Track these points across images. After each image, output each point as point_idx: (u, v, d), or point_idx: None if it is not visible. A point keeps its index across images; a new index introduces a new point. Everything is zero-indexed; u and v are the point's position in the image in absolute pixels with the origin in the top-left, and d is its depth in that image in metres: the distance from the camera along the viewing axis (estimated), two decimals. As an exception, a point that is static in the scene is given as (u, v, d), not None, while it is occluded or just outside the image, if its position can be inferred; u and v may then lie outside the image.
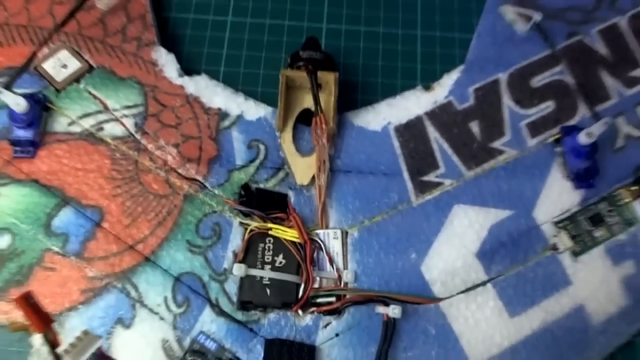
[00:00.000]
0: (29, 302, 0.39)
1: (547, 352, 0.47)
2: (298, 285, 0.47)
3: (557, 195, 0.50)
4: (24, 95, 0.48)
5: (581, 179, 0.50)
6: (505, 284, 0.48)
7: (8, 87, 0.49)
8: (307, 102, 0.51)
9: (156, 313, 0.46)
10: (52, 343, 0.39)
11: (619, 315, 0.49)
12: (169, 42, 0.55)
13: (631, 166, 0.52)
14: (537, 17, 0.53)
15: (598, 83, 0.54)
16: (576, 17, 0.55)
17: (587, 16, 0.56)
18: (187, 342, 0.45)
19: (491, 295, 0.48)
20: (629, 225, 0.51)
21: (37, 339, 0.46)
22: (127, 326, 0.45)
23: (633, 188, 0.51)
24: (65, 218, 0.48)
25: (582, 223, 0.50)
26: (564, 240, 0.49)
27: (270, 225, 0.48)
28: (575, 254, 0.49)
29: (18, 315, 0.46)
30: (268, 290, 0.46)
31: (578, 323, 0.48)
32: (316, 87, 0.50)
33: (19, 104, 0.47)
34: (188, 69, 0.54)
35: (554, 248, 0.49)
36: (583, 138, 0.48)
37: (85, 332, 0.38)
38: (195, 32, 0.57)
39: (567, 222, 0.50)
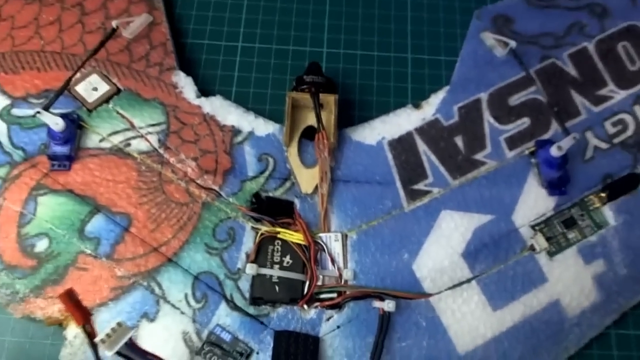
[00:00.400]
0: (71, 298, 0.44)
1: (527, 342, 0.52)
2: (303, 283, 0.52)
3: (534, 202, 0.56)
4: (61, 115, 0.53)
5: (554, 186, 0.56)
6: (488, 280, 0.53)
7: (46, 108, 0.53)
8: (311, 120, 0.57)
9: (177, 308, 0.51)
10: (90, 334, 0.43)
11: (592, 309, 0.54)
12: (187, 65, 0.61)
13: (600, 175, 0.57)
14: (512, 44, 0.59)
15: (569, 101, 0.60)
16: (549, 42, 0.62)
17: (559, 41, 0.62)
18: (204, 334, 0.51)
19: (476, 291, 0.53)
20: (598, 228, 0.56)
21: (70, 332, 0.51)
22: (152, 320, 0.51)
23: (602, 194, 0.56)
24: (97, 224, 0.53)
25: (556, 226, 0.55)
26: (540, 242, 0.54)
27: (278, 229, 0.53)
28: (551, 253, 0.55)
29: (54, 311, 0.51)
30: (277, 287, 0.51)
31: (554, 316, 0.53)
32: (318, 107, 0.55)
33: (57, 124, 0.53)
34: (204, 90, 0.60)
35: (532, 248, 0.54)
36: (554, 151, 0.54)
37: (119, 324, 0.43)
38: (210, 56, 0.63)
39: (542, 225, 0.55)
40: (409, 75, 0.64)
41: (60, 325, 0.51)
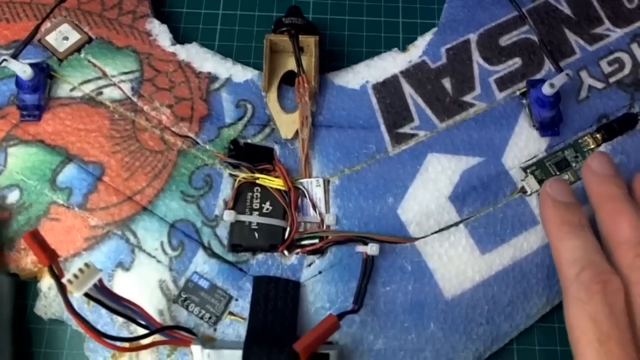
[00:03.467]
0: (35, 238, 0.42)
1: (517, 285, 0.50)
2: (284, 229, 0.50)
3: (525, 143, 0.54)
4: (30, 64, 0.52)
5: (546, 127, 0.54)
6: (477, 224, 0.51)
7: (15, 57, 0.52)
8: (291, 64, 0.55)
9: (153, 257, 0.49)
10: (57, 275, 0.42)
11: (586, 252, 0.51)
12: (166, 19, 0.60)
13: (594, 115, 0.55)
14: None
15: (562, 40, 0.57)
16: (542, -21, 0.58)
17: (553, -22, 0.58)
18: (182, 282, 0.49)
19: (463, 235, 0.51)
20: (593, 170, 0.53)
21: (44, 284, 0.49)
22: (127, 269, 0.49)
23: (597, 135, 0.54)
24: (69, 173, 0.52)
25: (549, 168, 0.53)
26: (531, 184, 0.52)
27: (257, 175, 0.51)
28: (543, 196, 0.52)
29: (27, 262, 0.50)
30: (256, 234, 0.50)
31: (546, 259, 0.51)
32: (298, 50, 0.53)
33: (25, 71, 0.51)
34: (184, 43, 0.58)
35: (522, 191, 0.52)
36: (546, 88, 0.52)
37: (87, 264, 0.41)
38: (190, 10, 0.61)
39: (534, 168, 0.53)
40: (400, 24, 0.62)
41: (35, 278, 0.50)
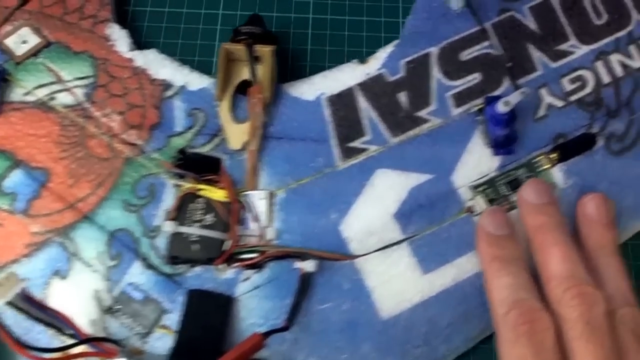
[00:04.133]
0: None
1: (458, 307, 0.49)
2: (223, 242, 0.50)
3: (477, 161, 0.52)
4: (-17, 67, 0.52)
5: (500, 145, 0.52)
6: (421, 242, 0.50)
7: None
8: (246, 74, 0.55)
9: (90, 265, 0.49)
10: None
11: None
12: (129, 17, 0.60)
13: (551, 134, 0.54)
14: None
15: (525, 56, 0.56)
16: (508, -6, 0.57)
17: (520, -8, 0.57)
18: (116, 292, 0.49)
19: (406, 253, 0.50)
20: (548, 191, 0.52)
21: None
22: (63, 277, 0.49)
23: (552, 155, 0.53)
24: (15, 179, 0.52)
25: (500, 187, 0.52)
26: (479, 203, 0.51)
27: (201, 186, 0.51)
28: (492, 216, 0.51)
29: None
30: (195, 246, 0.49)
31: (490, 282, 0.50)
32: (252, 59, 0.53)
33: (-24, 75, 0.51)
34: (147, 43, 0.58)
35: (470, 210, 0.51)
36: (501, 107, 0.50)
37: (11, 274, 0.42)
38: (154, 8, 0.61)
39: (485, 187, 0.52)
40: (364, 23, 0.61)
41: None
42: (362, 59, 0.57)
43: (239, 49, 0.53)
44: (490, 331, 0.49)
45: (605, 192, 0.51)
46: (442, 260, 0.50)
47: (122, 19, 0.59)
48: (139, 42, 0.58)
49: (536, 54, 0.56)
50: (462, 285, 0.49)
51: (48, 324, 0.44)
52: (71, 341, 0.44)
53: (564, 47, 0.56)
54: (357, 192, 0.51)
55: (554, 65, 0.55)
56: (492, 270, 0.45)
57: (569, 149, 0.53)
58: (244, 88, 0.55)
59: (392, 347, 0.48)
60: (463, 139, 0.53)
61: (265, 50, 0.54)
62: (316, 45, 0.60)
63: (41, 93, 0.54)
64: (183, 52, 0.59)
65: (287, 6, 0.61)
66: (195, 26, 0.60)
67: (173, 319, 0.48)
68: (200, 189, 0.51)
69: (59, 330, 0.44)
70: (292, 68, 0.59)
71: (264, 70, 0.54)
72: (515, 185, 0.52)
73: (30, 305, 0.43)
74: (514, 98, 0.50)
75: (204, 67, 0.57)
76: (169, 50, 0.57)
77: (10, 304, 0.42)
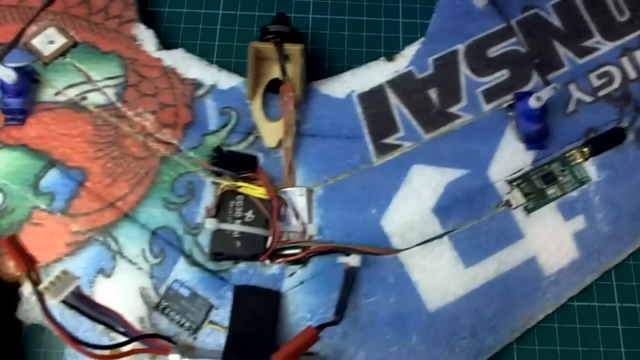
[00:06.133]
0: (13, 244, 0.42)
1: (501, 299, 0.50)
2: (266, 238, 0.50)
3: (510, 156, 0.53)
4: (14, 68, 0.51)
5: (532, 140, 0.53)
6: (461, 236, 0.51)
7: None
8: (276, 72, 0.55)
9: (135, 263, 0.49)
10: (35, 281, 0.41)
11: (571, 267, 0.52)
12: (149, 18, 0.59)
13: (582, 129, 0.55)
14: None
15: (551, 53, 0.57)
16: (532, -9, 0.58)
17: (543, -10, 0.58)
18: (162, 290, 0.49)
19: (447, 247, 0.51)
20: (580, 184, 0.53)
21: (26, 289, 0.49)
22: (108, 275, 0.49)
23: (584, 149, 0.54)
24: (51, 179, 0.51)
25: (534, 181, 0.53)
26: (516, 197, 0.52)
27: (240, 183, 0.51)
28: (528, 209, 0.52)
29: (9, 267, 0.49)
30: (238, 243, 0.49)
31: (530, 273, 0.51)
32: (282, 58, 0.53)
33: (9, 76, 0.50)
34: (168, 43, 0.58)
35: (507, 204, 0.52)
36: (533, 102, 0.51)
37: (64, 272, 0.40)
38: (173, 9, 0.61)
39: (520, 181, 0.53)
40: (382, 24, 0.61)
41: (18, 282, 0.50)
42: (390, 57, 0.57)
43: (268, 47, 0.54)
44: (533, 322, 0.49)
45: (637, 185, 0.52)
46: (483, 254, 0.51)
47: (146, 22, 0.58)
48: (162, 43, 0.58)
49: (562, 51, 0.57)
50: (504, 278, 0.50)
51: (100, 322, 0.43)
52: (122, 338, 0.43)
53: (589, 43, 0.57)
54: (395, 187, 0.52)
55: (581, 61, 0.56)
56: None
57: (601, 143, 0.53)
58: (273, 86, 0.55)
59: (440, 338, 0.48)
60: (496, 135, 0.54)
61: (295, 49, 0.54)
62: (334, 46, 0.60)
63: (72, 93, 0.54)
64: (202, 53, 0.58)
65: (305, 7, 0.61)
66: (213, 27, 0.61)
67: (222, 315, 0.48)
68: (239, 186, 0.50)
69: (111, 327, 0.43)
70: (312, 67, 0.58)
71: (294, 69, 0.54)
72: (549, 179, 0.52)
73: (83, 303, 0.42)
74: (546, 93, 0.51)
75: (223, 68, 0.57)
76: (188, 51, 0.57)
77: (64, 302, 0.41)
